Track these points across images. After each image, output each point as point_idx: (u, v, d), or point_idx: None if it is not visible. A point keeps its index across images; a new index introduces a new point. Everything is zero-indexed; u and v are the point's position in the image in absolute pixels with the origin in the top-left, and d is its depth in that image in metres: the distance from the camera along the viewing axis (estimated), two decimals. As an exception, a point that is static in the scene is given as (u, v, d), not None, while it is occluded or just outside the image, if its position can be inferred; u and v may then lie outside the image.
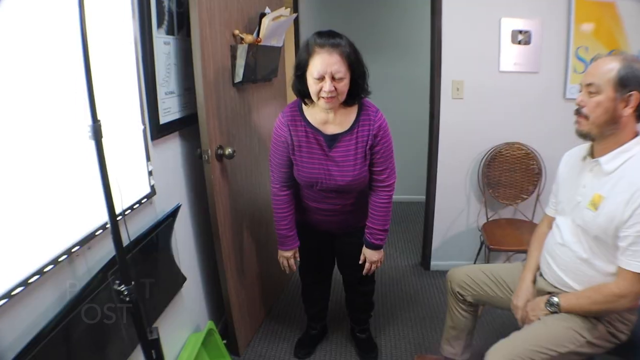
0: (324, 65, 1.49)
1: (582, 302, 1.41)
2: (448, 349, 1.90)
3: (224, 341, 2.04)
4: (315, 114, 1.67)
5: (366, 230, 1.84)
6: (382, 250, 1.88)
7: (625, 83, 1.29)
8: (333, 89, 1.52)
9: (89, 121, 0.90)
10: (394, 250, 3.31)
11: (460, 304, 1.81)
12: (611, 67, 1.31)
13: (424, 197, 3.03)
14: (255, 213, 2.29)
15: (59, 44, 1.02)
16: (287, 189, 1.81)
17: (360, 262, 1.89)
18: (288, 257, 1.92)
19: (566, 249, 1.48)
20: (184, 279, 1.80)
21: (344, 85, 1.54)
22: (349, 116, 1.67)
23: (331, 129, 1.68)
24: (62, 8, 1.00)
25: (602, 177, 1.38)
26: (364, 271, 1.90)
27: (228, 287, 2.00)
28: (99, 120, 0.91)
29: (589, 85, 1.35)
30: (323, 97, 1.54)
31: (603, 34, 2.53)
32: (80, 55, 0.87)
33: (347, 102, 1.62)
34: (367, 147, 1.68)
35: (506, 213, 2.77)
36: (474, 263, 2.73)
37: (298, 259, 1.96)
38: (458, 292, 1.79)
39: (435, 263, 2.99)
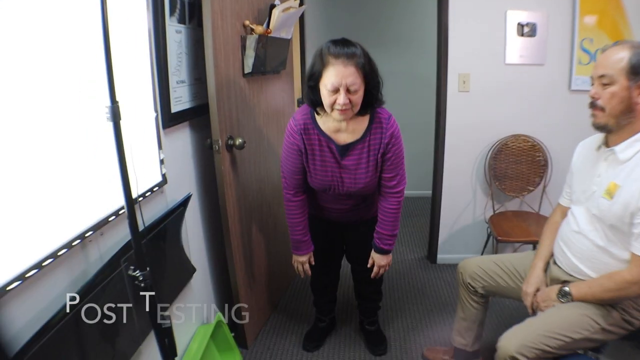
0: (338, 77, 1.46)
1: (594, 290, 1.41)
2: (459, 339, 1.90)
3: (232, 334, 2.04)
4: (327, 122, 1.65)
5: (375, 235, 1.85)
6: (390, 254, 1.89)
7: (637, 70, 1.29)
8: (347, 101, 1.49)
9: (107, 103, 0.90)
10: (401, 244, 3.30)
11: (472, 295, 1.81)
12: (621, 56, 1.31)
13: (430, 192, 3.03)
14: (263, 205, 2.28)
15: (74, 27, 1.03)
16: (301, 195, 1.81)
17: (369, 265, 1.90)
18: (303, 262, 1.93)
19: (582, 236, 1.48)
20: (194, 269, 1.80)
21: (358, 97, 1.52)
22: (362, 124, 1.66)
23: (343, 138, 1.67)
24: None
25: (617, 165, 1.38)
26: (372, 274, 1.91)
27: (237, 279, 2.00)
28: (117, 102, 0.91)
29: (601, 77, 1.35)
30: (337, 109, 1.52)
31: (607, 25, 2.52)
32: (100, 38, 0.87)
33: (360, 112, 1.59)
34: (379, 154, 1.67)
35: (512, 205, 2.77)
36: (482, 255, 2.73)
37: (313, 263, 1.96)
38: (469, 283, 1.79)
39: (441, 256, 2.99)
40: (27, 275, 0.93)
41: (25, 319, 0.96)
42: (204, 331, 1.89)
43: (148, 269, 1.06)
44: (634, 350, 1.60)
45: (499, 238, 2.36)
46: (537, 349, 1.35)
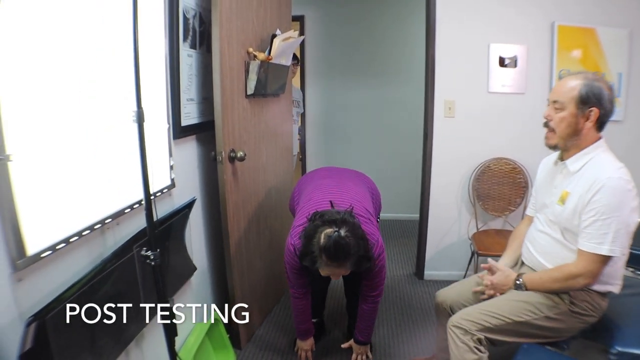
0: (333, 274, 1.71)
1: (545, 280, 1.59)
2: (442, 355, 1.97)
3: (227, 335, 2.19)
4: None
5: (355, 328, 2.10)
6: (368, 345, 2.15)
7: (585, 100, 1.49)
8: (341, 277, 1.77)
9: (134, 107, 1.11)
10: (391, 262, 3.46)
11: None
12: (574, 86, 1.51)
13: (418, 215, 3.21)
14: (261, 215, 2.47)
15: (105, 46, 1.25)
16: (306, 290, 2.02)
17: (344, 346, 2.17)
18: (307, 349, 2.16)
19: (544, 234, 1.67)
20: (195, 268, 1.97)
21: (349, 271, 1.71)
22: None
23: None
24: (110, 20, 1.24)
25: (569, 176, 1.59)
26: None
27: (234, 281, 2.17)
28: (142, 107, 1.12)
29: (554, 102, 1.56)
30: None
31: (585, 58, 2.77)
32: (131, 54, 1.08)
33: None
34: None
35: (496, 224, 2.95)
36: (465, 272, 2.89)
37: (314, 349, 2.19)
38: (452, 310, 1.86)
39: (428, 272, 3.14)
40: (57, 247, 1.11)
41: (53, 285, 1.13)
42: (200, 328, 2.03)
43: (158, 250, 1.24)
44: (598, 353, 1.74)
45: (479, 252, 2.53)
46: (477, 323, 1.55)
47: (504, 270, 1.72)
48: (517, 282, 1.65)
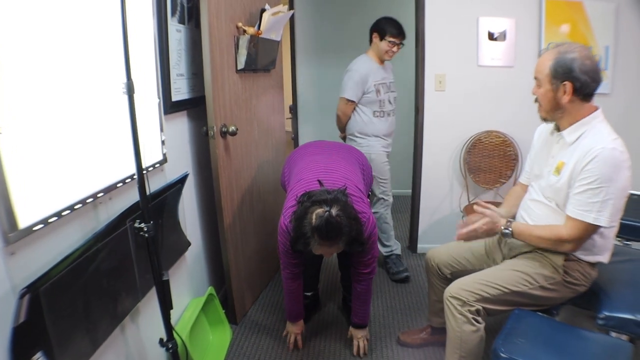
0: (325, 252, 1.69)
1: (533, 236, 1.60)
2: (436, 319, 2.07)
3: (223, 311, 2.22)
4: None
5: (352, 312, 2.11)
6: (366, 328, 2.15)
7: (556, 75, 1.50)
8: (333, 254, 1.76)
9: (124, 79, 1.10)
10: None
11: (442, 279, 1.98)
12: (547, 63, 1.52)
13: (411, 191, 3.24)
14: (253, 190, 2.48)
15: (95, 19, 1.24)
16: (298, 271, 1.99)
17: (349, 337, 2.16)
18: (297, 332, 2.14)
19: (539, 204, 1.68)
20: (189, 243, 1.98)
21: (342, 249, 1.69)
22: None
23: None
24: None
25: (566, 147, 1.58)
26: (354, 350, 2.10)
27: (228, 257, 2.19)
28: (132, 79, 1.11)
29: (535, 78, 1.59)
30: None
31: (574, 32, 2.77)
32: (120, 28, 1.08)
33: None
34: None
35: (487, 197, 2.99)
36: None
37: (304, 333, 2.18)
38: (440, 269, 1.96)
39: (421, 246, 3.19)
40: (49, 221, 1.11)
41: (46, 258, 1.13)
42: (195, 304, 2.06)
43: (151, 222, 1.25)
44: (586, 319, 1.79)
45: (471, 224, 2.56)
46: (475, 294, 1.58)
47: (492, 217, 1.66)
48: (505, 230, 1.63)
